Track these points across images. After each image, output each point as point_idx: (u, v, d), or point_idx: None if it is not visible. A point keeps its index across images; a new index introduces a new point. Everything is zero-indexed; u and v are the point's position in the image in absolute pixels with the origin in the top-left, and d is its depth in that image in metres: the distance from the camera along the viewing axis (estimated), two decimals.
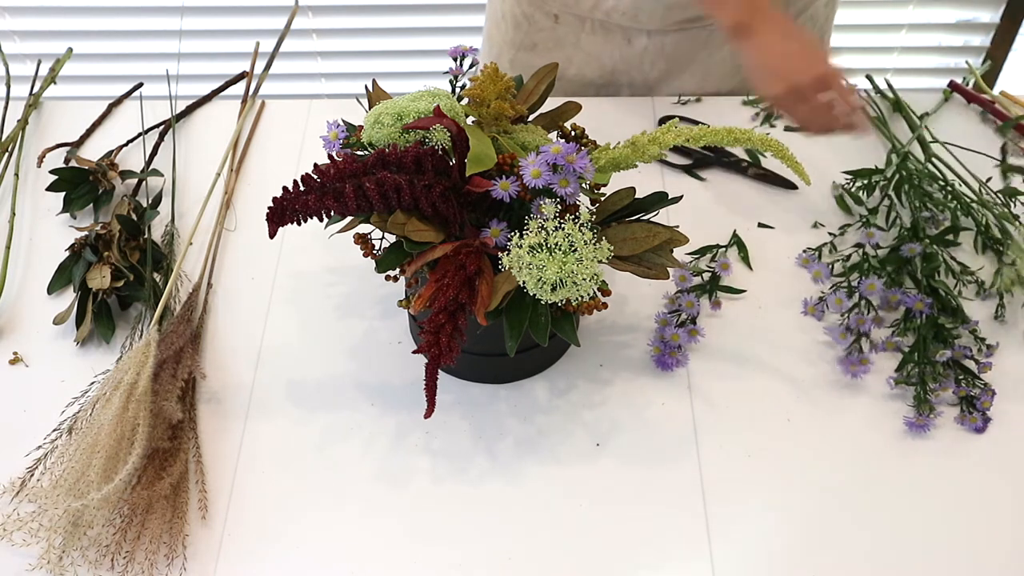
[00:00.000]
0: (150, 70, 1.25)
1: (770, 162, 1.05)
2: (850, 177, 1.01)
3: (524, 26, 1.14)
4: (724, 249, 0.96)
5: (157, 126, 1.10)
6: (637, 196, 0.75)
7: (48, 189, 0.99)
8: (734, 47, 0.90)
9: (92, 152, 1.07)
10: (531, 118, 0.81)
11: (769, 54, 0.87)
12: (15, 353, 0.88)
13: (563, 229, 0.65)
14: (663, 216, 0.96)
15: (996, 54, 1.88)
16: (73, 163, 1.02)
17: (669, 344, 0.86)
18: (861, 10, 1.86)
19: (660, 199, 0.75)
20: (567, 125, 0.82)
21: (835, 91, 0.85)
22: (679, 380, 0.86)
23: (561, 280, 0.64)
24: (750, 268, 0.95)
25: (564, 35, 1.12)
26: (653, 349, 0.86)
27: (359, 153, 0.74)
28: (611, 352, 0.88)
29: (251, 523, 0.77)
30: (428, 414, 0.69)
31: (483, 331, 0.71)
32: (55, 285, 0.93)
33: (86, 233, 0.94)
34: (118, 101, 1.14)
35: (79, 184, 1.00)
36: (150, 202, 1.01)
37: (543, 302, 0.67)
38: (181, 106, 1.12)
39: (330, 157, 0.69)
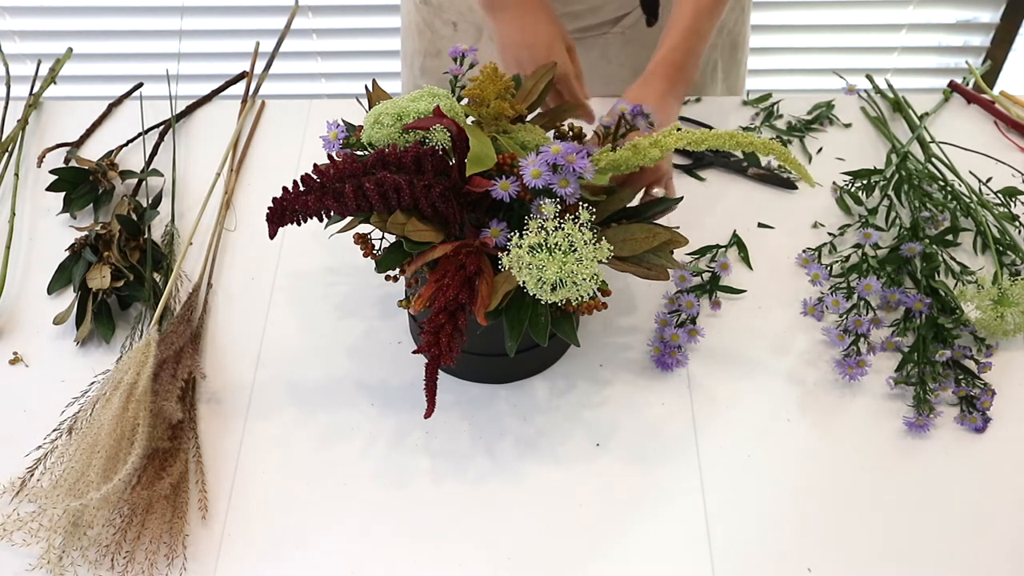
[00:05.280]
0: (150, 70, 1.26)
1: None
2: (850, 177, 1.01)
3: (427, 34, 1.15)
4: (724, 249, 0.96)
5: (157, 126, 1.10)
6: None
7: (48, 189, 0.99)
8: (487, 20, 0.92)
9: (92, 152, 1.08)
10: (530, 118, 0.82)
11: (506, 39, 0.90)
12: (15, 353, 0.88)
13: (563, 229, 0.65)
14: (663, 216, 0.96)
15: (996, 54, 1.88)
16: (73, 163, 1.02)
17: (669, 344, 0.86)
18: (861, 10, 1.87)
19: (660, 200, 0.75)
20: (565, 125, 0.82)
21: (561, 88, 0.88)
22: (679, 380, 0.86)
23: (561, 280, 0.64)
24: (750, 268, 0.95)
25: (464, 42, 1.13)
26: (653, 349, 0.86)
27: (359, 153, 0.74)
28: (611, 352, 0.88)
29: (251, 523, 0.77)
30: (428, 414, 0.69)
31: (483, 331, 0.71)
32: (55, 285, 0.93)
33: (86, 233, 0.94)
34: (118, 101, 1.14)
35: (79, 184, 1.00)
36: (150, 202, 1.01)
37: (543, 302, 0.67)
38: (181, 106, 1.12)
39: (330, 157, 0.69)
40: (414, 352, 0.70)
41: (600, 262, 0.66)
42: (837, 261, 0.95)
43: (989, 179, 1.01)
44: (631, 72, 1.12)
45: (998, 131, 1.10)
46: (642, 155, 0.71)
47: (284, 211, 0.67)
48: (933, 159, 1.03)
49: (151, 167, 1.05)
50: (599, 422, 0.83)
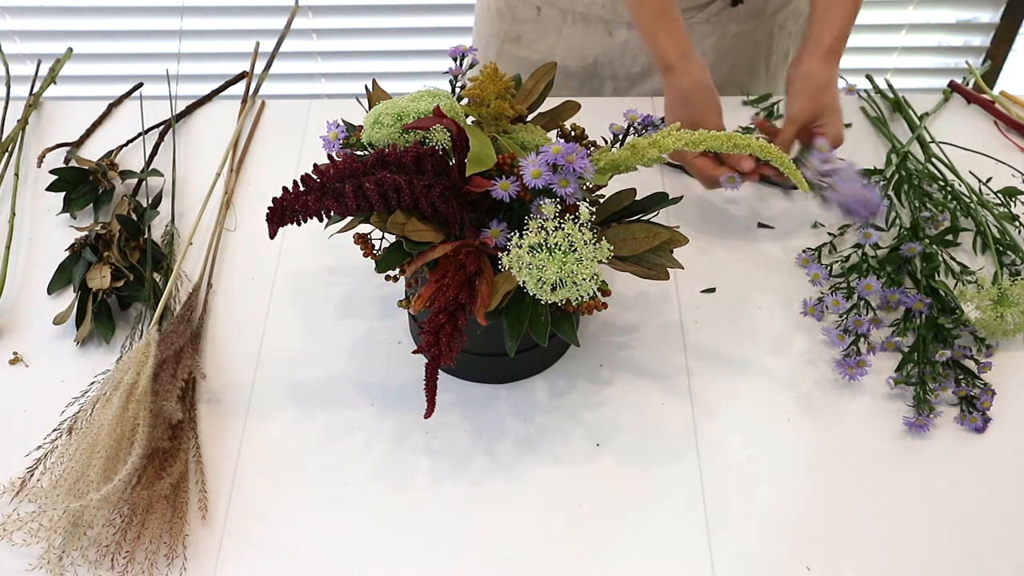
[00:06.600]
0: (150, 70, 1.25)
1: None
2: None
3: (508, 17, 1.15)
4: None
5: (157, 126, 1.10)
6: (637, 197, 0.75)
7: (48, 189, 0.99)
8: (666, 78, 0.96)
9: (92, 152, 1.08)
10: (530, 118, 0.82)
11: (688, 89, 0.93)
12: (15, 353, 0.88)
13: (563, 229, 0.65)
14: (663, 216, 0.96)
15: (996, 54, 1.88)
16: (73, 163, 1.02)
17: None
18: (861, 10, 1.86)
19: (660, 199, 0.75)
20: (566, 125, 0.82)
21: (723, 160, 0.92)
22: (679, 380, 0.86)
23: (561, 280, 0.65)
24: (750, 268, 0.95)
25: (547, 27, 1.14)
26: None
27: (359, 153, 0.74)
28: (611, 352, 0.88)
29: (251, 523, 0.77)
30: (428, 414, 0.69)
31: (483, 331, 0.71)
32: (55, 285, 0.93)
33: (86, 233, 0.94)
34: (118, 101, 1.14)
35: (79, 184, 1.00)
36: (150, 202, 1.01)
37: (543, 302, 0.67)
38: (181, 106, 1.12)
39: (330, 157, 0.69)
40: (414, 352, 0.70)
41: (600, 262, 0.66)
42: (837, 261, 0.95)
43: (989, 179, 1.01)
44: (714, 59, 1.14)
45: (998, 131, 1.10)
46: (640, 155, 0.71)
47: (284, 211, 0.67)
48: (933, 159, 1.03)
49: (151, 167, 1.05)
50: (599, 422, 0.83)
